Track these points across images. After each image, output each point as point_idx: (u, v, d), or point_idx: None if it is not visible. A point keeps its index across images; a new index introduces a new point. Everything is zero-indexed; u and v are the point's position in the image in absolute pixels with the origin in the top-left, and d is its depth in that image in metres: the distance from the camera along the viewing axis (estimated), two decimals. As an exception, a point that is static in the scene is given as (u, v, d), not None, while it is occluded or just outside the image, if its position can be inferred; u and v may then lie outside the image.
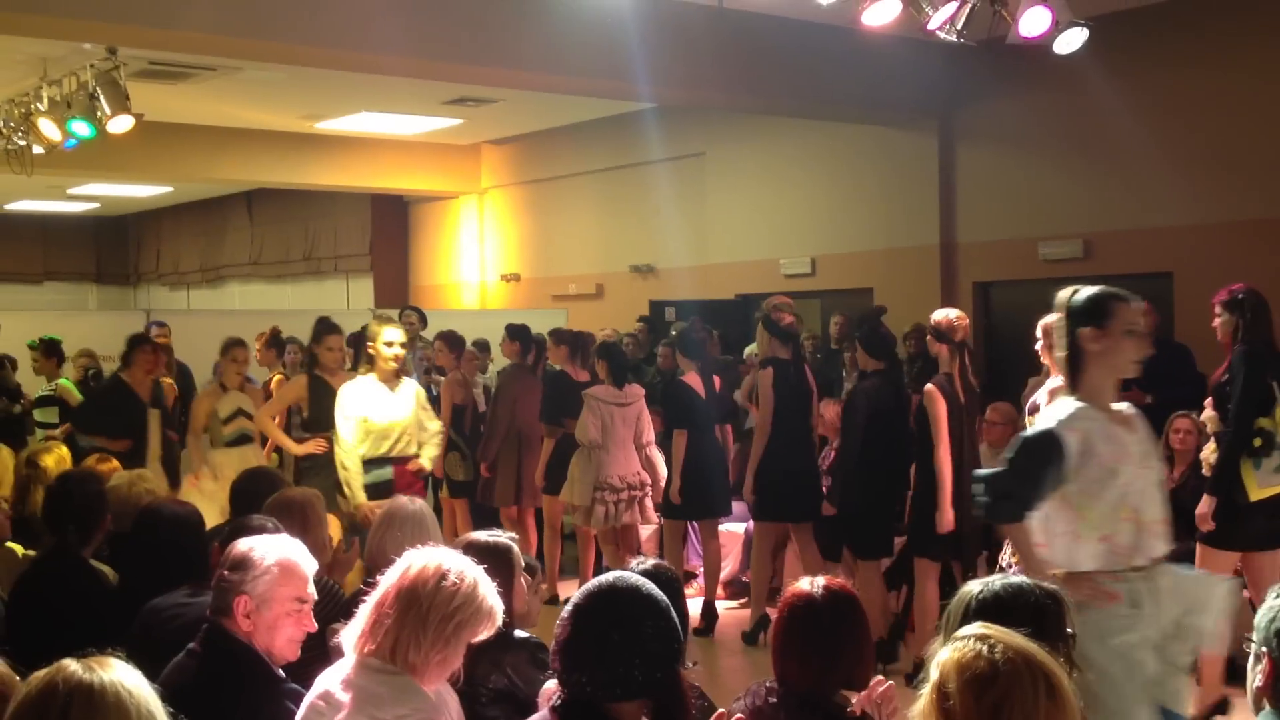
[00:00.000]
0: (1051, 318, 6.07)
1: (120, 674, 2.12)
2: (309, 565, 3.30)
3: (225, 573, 3.23)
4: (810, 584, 3.10)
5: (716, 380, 8.62)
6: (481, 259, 17.35)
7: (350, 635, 2.88)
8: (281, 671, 3.23)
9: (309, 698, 2.90)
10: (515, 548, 3.78)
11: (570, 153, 15.46)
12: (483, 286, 17.32)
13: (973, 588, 2.65)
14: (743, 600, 8.55)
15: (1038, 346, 5.81)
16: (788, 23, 10.10)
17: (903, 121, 11.58)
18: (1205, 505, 5.81)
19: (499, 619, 2.92)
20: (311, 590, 3.27)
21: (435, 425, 7.35)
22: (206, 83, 11.89)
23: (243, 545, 3.29)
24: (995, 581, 2.66)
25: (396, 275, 18.47)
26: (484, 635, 2.91)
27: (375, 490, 6.74)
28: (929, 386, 6.62)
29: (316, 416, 7.65)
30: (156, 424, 8.42)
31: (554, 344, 9.42)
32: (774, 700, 3.01)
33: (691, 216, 13.97)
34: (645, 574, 3.18)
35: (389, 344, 6.98)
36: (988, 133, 11.26)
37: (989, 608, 2.56)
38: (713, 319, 11.83)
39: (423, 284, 18.35)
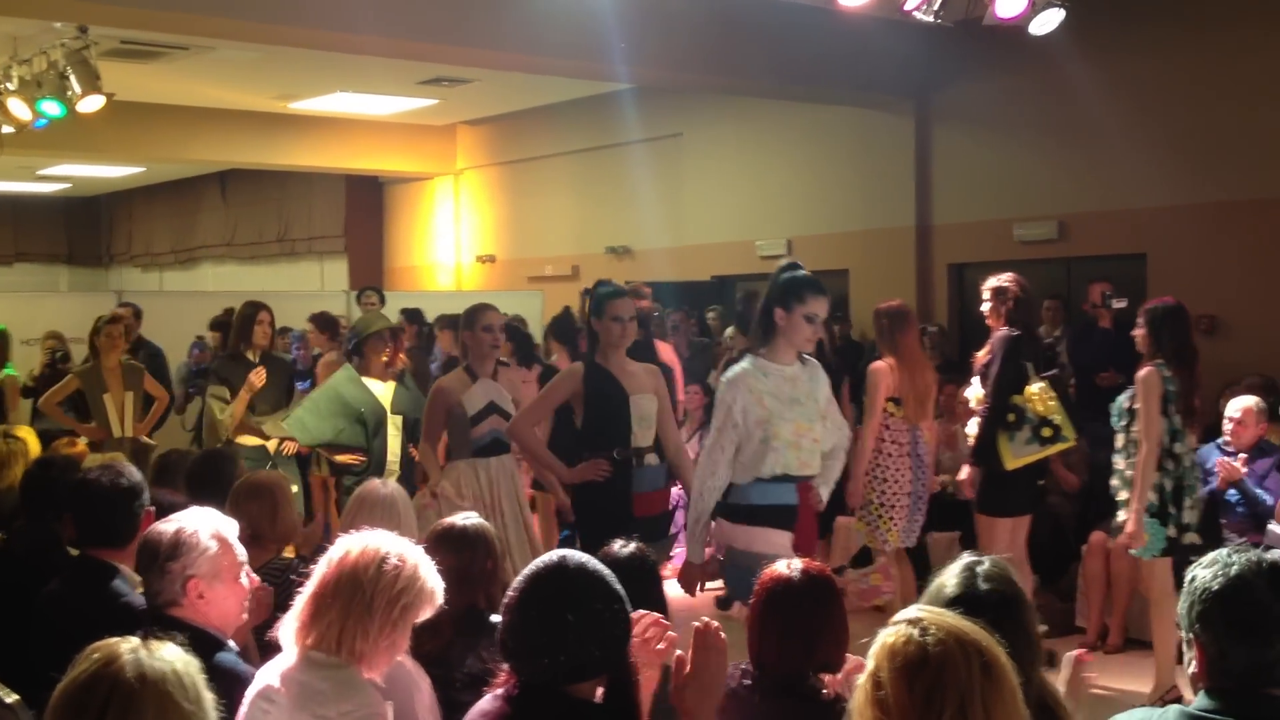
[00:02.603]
0: (998, 280, 6.32)
1: (173, 655, 2.17)
2: (231, 526, 3.25)
3: (168, 562, 3.11)
4: (788, 566, 3.09)
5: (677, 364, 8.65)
6: (457, 240, 17.29)
7: (288, 628, 2.79)
8: (230, 643, 3.18)
9: (250, 695, 2.82)
10: (493, 530, 3.77)
11: (546, 134, 15.40)
12: (458, 268, 17.26)
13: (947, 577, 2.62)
14: (718, 580, 8.54)
15: (985, 308, 6.31)
16: (765, 3, 10.08)
17: (879, 103, 11.57)
18: (965, 474, 6.37)
19: (439, 599, 2.86)
20: (241, 550, 3.23)
21: None
22: (179, 62, 11.78)
23: (167, 528, 3.17)
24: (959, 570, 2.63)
25: (371, 256, 18.38)
26: (426, 615, 2.84)
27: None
28: (877, 364, 6.78)
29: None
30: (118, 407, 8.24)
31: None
32: (749, 683, 3.00)
33: (668, 198, 13.95)
34: (629, 557, 3.18)
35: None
36: (964, 114, 11.27)
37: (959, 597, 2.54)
38: (689, 300, 11.83)
39: (397, 265, 18.28)
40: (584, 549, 3.03)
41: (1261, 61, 9.31)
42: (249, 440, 7.35)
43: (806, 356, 4.74)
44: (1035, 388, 6.04)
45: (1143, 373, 5.73)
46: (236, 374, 7.34)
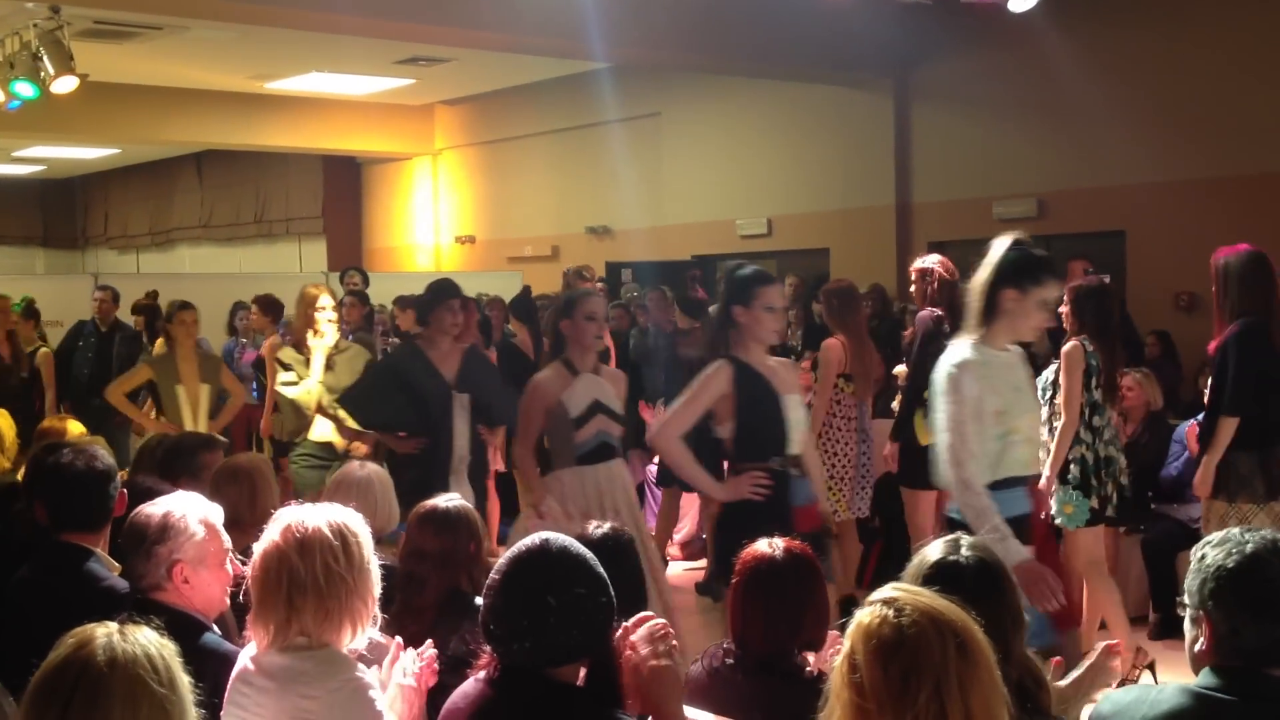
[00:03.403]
0: (923, 261, 6.47)
1: (149, 639, 2.15)
2: (217, 512, 3.23)
3: (155, 546, 3.09)
4: (770, 545, 3.09)
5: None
6: (436, 221, 17.23)
7: (252, 620, 2.74)
8: (214, 626, 3.17)
9: (231, 679, 2.80)
10: (476, 513, 3.75)
11: (525, 113, 15.34)
12: (437, 249, 17.20)
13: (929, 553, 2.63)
14: (701, 561, 8.58)
15: (911, 289, 6.44)
16: (743, -19, 10.05)
17: (858, 81, 11.56)
18: (888, 449, 6.54)
19: (372, 549, 2.79)
20: (226, 536, 3.21)
21: None
22: (153, 42, 11.67)
23: (154, 511, 3.15)
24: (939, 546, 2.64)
25: (349, 237, 18.31)
26: (376, 569, 2.77)
27: None
28: (829, 341, 6.93)
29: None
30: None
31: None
32: (731, 662, 3.00)
33: (647, 177, 13.92)
34: (603, 537, 3.17)
35: None
36: (943, 92, 11.27)
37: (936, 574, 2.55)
38: (669, 280, 11.80)
39: (376, 246, 18.21)
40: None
41: (1239, 39, 9.34)
42: (321, 438, 6.78)
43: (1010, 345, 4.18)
44: None
45: (1067, 347, 5.82)
46: (296, 360, 6.81)
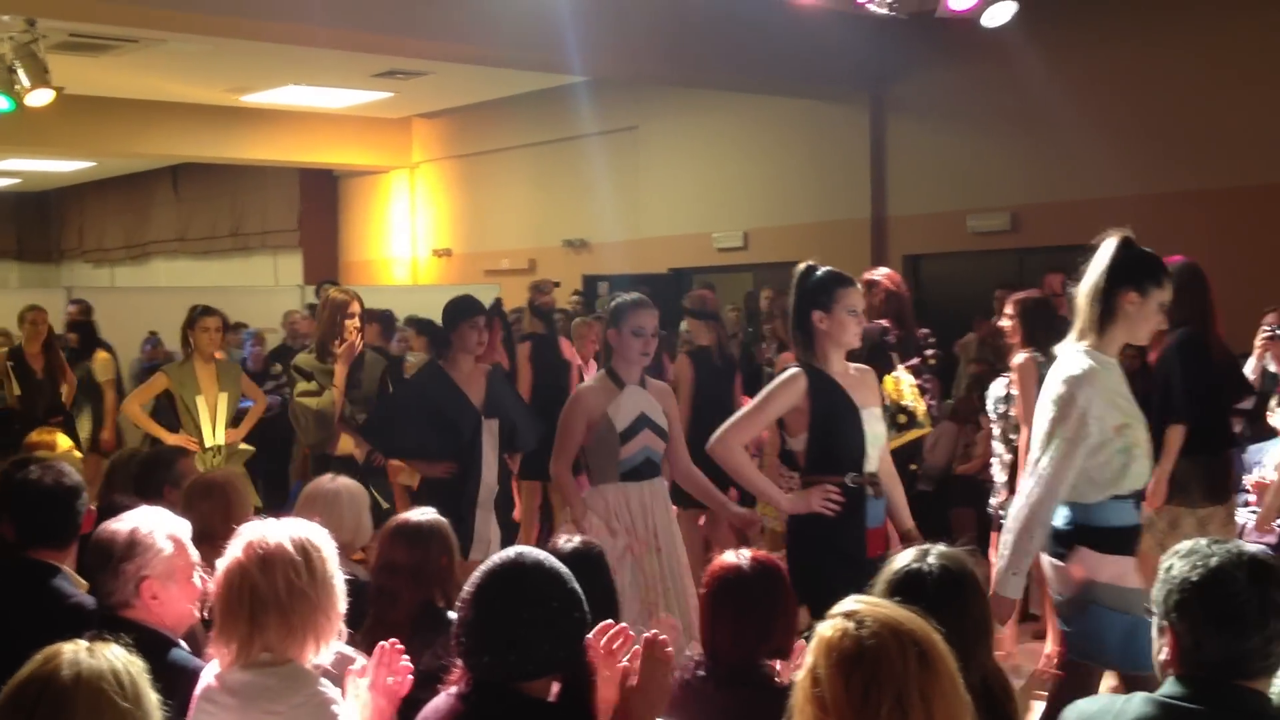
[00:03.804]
0: (870, 274, 6.53)
1: (115, 655, 2.15)
2: (184, 527, 3.21)
3: (122, 563, 3.07)
4: (737, 555, 3.10)
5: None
6: (413, 234, 17.20)
7: (214, 638, 2.74)
8: (182, 641, 3.16)
9: (196, 699, 2.77)
10: (449, 526, 3.73)
11: (502, 126, 15.35)
12: (414, 262, 17.18)
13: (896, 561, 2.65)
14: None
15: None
16: (719, -5, 10.09)
17: (834, 95, 11.62)
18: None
19: (338, 562, 2.80)
20: (194, 551, 3.19)
21: None
22: (129, 55, 11.64)
23: (121, 528, 3.13)
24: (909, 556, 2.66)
25: (326, 251, 18.26)
26: (341, 583, 2.78)
27: None
28: (786, 354, 7.06)
29: None
30: None
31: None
32: (703, 673, 3.01)
33: (624, 190, 13.94)
34: (573, 551, 3.17)
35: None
36: (918, 107, 11.33)
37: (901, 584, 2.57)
38: (645, 293, 11.80)
39: (353, 260, 18.17)
40: (814, 605, 2.91)
41: (1212, 54, 9.42)
42: (345, 445, 6.50)
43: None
44: (897, 377, 6.28)
45: (1019, 360, 5.87)
46: (322, 371, 6.44)
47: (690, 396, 7.55)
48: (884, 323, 6.46)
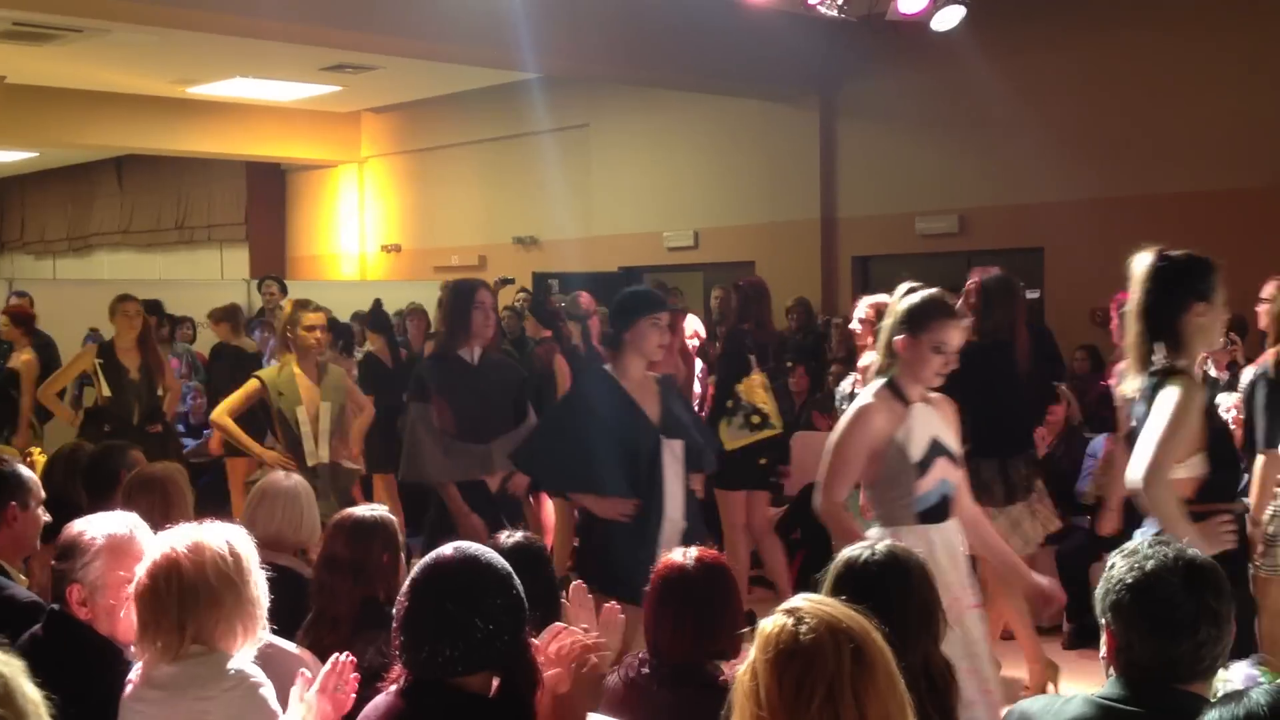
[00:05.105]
0: (734, 281, 7.02)
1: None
2: (146, 543, 3.09)
3: (55, 561, 3.08)
4: (683, 555, 3.10)
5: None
6: (361, 229, 17.09)
7: (139, 638, 2.73)
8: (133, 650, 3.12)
9: (121, 705, 2.75)
10: (395, 522, 3.71)
11: (453, 122, 15.28)
12: (362, 257, 17.06)
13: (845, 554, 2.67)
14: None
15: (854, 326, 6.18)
16: (671, -5, 10.10)
17: (785, 96, 11.67)
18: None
19: (260, 570, 2.83)
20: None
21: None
22: (73, 44, 11.47)
23: (75, 527, 3.12)
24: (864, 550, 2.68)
25: (273, 245, 18.09)
26: (262, 587, 2.80)
27: None
28: (557, 358, 7.49)
29: None
30: None
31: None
32: (647, 671, 3.01)
33: (575, 188, 13.92)
34: (513, 546, 3.16)
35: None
36: (867, 109, 11.40)
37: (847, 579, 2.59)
38: (596, 292, 11.80)
39: (300, 254, 18.02)
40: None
41: (1153, 61, 9.55)
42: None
43: None
44: (751, 379, 6.76)
45: (865, 361, 6.02)
46: (452, 377, 5.41)
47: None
48: (744, 326, 6.89)
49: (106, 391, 7.30)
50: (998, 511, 5.73)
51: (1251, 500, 5.22)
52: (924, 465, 3.89)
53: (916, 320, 3.91)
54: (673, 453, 4.59)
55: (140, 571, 2.74)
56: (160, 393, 7.46)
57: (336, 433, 6.10)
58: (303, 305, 6.18)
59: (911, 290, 3.96)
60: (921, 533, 3.79)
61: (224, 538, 2.76)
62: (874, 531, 3.79)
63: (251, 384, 6.15)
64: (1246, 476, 5.38)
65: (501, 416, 5.34)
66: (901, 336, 3.90)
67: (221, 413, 6.28)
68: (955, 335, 3.93)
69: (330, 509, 3.91)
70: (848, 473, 3.95)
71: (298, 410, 5.97)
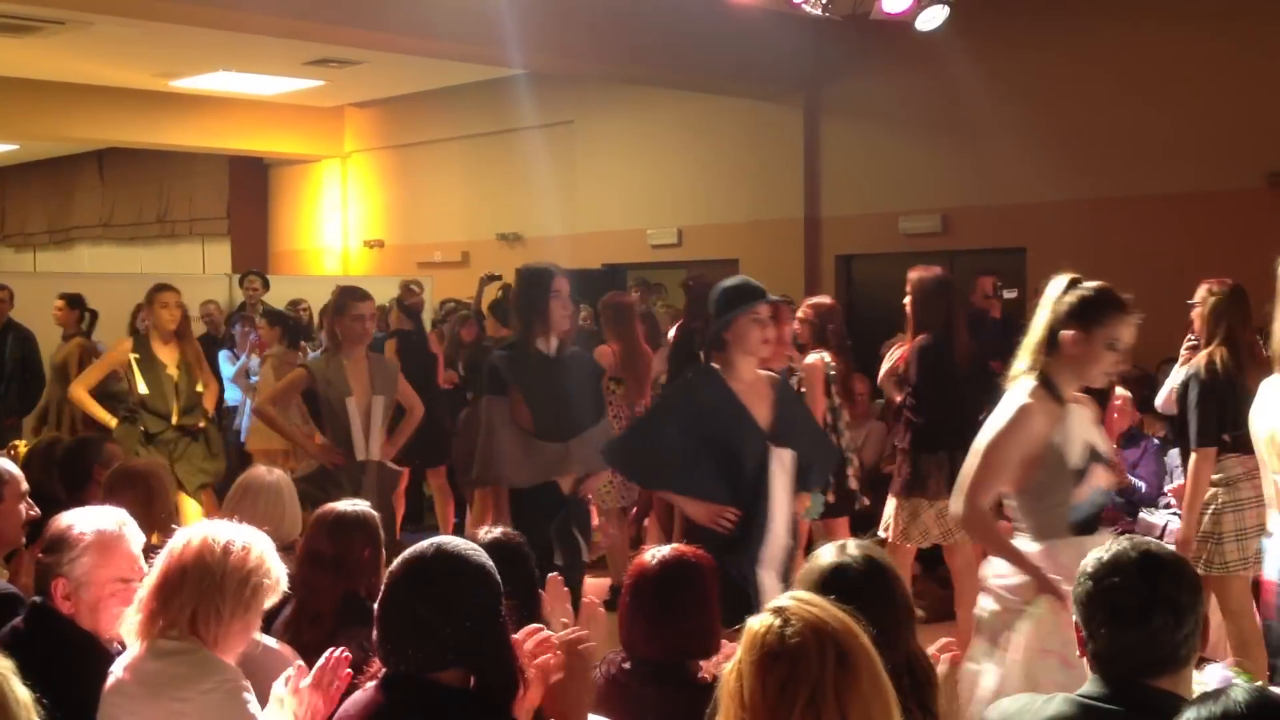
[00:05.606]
0: (685, 279, 7.41)
1: None
2: (134, 540, 3.12)
3: (41, 554, 3.07)
4: (653, 554, 3.09)
5: None
6: (344, 224, 17.04)
7: (131, 625, 2.76)
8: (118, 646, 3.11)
9: (103, 696, 2.75)
10: (376, 518, 3.70)
11: (437, 118, 15.24)
12: (345, 253, 17.01)
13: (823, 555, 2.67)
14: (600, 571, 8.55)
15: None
16: (656, -8, 10.10)
17: (769, 94, 11.67)
18: None
19: (284, 584, 2.90)
20: (141, 565, 3.08)
21: None
22: (55, 37, 11.40)
23: (64, 521, 3.10)
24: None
25: (255, 240, 18.02)
26: (273, 599, 2.86)
27: None
28: (600, 348, 7.53)
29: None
30: None
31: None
32: (627, 668, 3.01)
33: (560, 185, 13.89)
34: (493, 542, 3.15)
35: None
36: (851, 108, 11.42)
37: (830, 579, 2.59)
38: (580, 289, 11.78)
39: (282, 249, 17.95)
40: None
41: (1137, 64, 9.59)
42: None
43: None
44: None
45: (809, 361, 6.30)
46: (529, 371, 5.05)
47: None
48: (693, 325, 7.01)
49: (143, 389, 6.85)
50: (929, 504, 5.94)
51: (1185, 498, 5.34)
52: (1082, 471, 3.58)
53: (1091, 313, 3.59)
54: (782, 463, 4.25)
55: (163, 558, 2.77)
56: (199, 389, 7.07)
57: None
58: (350, 293, 5.87)
59: (1074, 282, 3.67)
60: (1077, 545, 3.37)
61: (261, 549, 2.83)
62: (1024, 544, 3.55)
63: (298, 373, 5.94)
64: (1182, 478, 5.55)
65: (581, 412, 5.05)
66: (1072, 331, 3.58)
67: (264, 402, 6.17)
68: (1129, 331, 3.62)
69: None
70: (998, 478, 3.60)
71: (348, 402, 5.70)
